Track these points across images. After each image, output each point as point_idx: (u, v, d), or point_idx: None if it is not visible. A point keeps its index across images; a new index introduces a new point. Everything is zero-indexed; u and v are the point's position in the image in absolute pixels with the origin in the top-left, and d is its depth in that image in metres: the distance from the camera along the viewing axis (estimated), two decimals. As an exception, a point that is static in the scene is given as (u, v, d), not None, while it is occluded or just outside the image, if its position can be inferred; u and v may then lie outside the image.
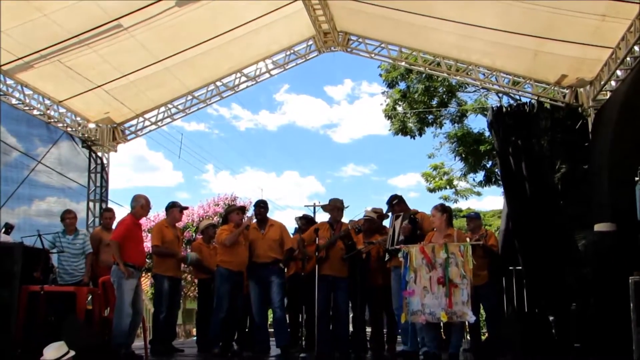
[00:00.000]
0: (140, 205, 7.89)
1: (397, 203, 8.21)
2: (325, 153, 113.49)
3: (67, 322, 6.80)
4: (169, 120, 12.99)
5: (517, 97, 15.50)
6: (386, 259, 7.96)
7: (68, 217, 8.92)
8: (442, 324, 7.12)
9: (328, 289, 7.99)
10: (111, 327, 7.53)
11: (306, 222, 9.46)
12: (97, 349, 6.95)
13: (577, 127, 10.42)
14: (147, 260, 8.60)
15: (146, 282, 14.17)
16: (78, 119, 11.89)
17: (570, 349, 8.40)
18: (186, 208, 9.39)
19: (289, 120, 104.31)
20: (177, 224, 9.29)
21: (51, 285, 7.95)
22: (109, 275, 7.67)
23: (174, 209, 8.93)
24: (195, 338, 11.34)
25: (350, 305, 8.49)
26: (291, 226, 9.83)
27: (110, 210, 9.91)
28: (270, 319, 9.37)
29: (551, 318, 8.92)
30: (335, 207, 8.42)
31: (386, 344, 8.85)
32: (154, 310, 8.65)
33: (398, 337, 8.84)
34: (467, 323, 7.38)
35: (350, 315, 8.82)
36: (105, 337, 7.83)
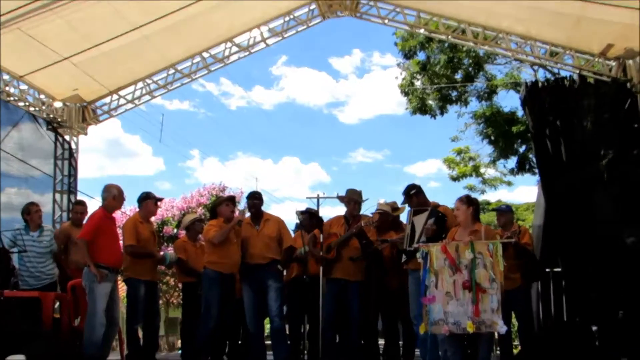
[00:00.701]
0: (112, 196, 7.87)
1: (415, 194, 8.18)
2: (331, 136, 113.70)
3: (30, 332, 6.84)
4: (147, 97, 13.03)
5: (556, 71, 15.59)
6: (403, 260, 7.96)
7: (33, 210, 8.93)
8: (466, 336, 7.12)
9: (338, 294, 7.97)
10: (82, 338, 7.57)
11: (309, 216, 9.44)
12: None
13: (625, 105, 10.41)
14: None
15: (123, 287, 14.22)
16: (42, 96, 11.91)
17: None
18: (161, 199, 9.39)
19: (288, 98, 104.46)
20: (151, 219, 9.31)
21: (12, 290, 7.98)
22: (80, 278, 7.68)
23: (148, 201, 8.88)
24: (179, 351, 11.39)
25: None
26: (291, 221, 9.83)
27: (82, 204, 9.91)
28: (267, 330, 9.40)
29: (594, 328, 8.94)
30: (350, 199, 8.35)
31: (402, 358, 8.88)
32: (128, 320, 8.65)
33: (416, 350, 8.87)
34: (496, 334, 7.40)
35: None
36: (75, 350, 7.88)
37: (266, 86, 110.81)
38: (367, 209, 8.67)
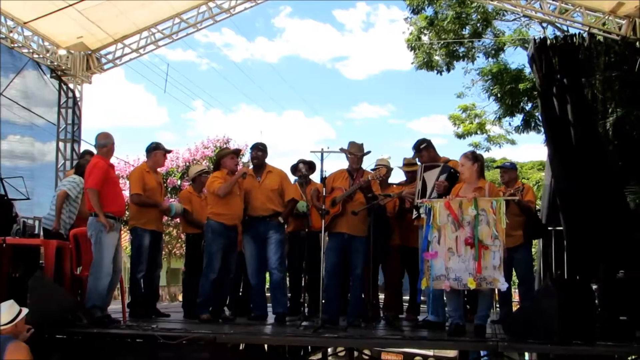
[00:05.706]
0: (112, 143, 7.83)
1: (425, 148, 8.15)
2: (335, 90, 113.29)
3: (33, 280, 6.84)
4: (152, 47, 12.96)
5: (565, 28, 15.40)
6: (414, 216, 7.92)
7: None
8: (466, 292, 7.14)
9: (341, 248, 7.92)
10: (84, 287, 7.58)
11: (308, 167, 9.43)
12: (68, 311, 7.02)
13: (636, 65, 10.31)
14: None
15: (125, 237, 14.26)
16: (46, 44, 11.83)
17: (615, 322, 8.45)
18: (170, 151, 9.38)
19: (292, 51, 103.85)
20: (158, 170, 9.28)
21: (15, 237, 7.99)
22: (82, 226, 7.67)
23: (157, 152, 8.88)
24: (181, 302, 11.45)
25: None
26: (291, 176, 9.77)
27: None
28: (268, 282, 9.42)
29: (594, 287, 8.96)
30: (350, 152, 8.24)
31: (406, 312, 8.93)
32: (132, 269, 8.68)
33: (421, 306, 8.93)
34: (496, 291, 7.41)
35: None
36: (77, 298, 7.91)
37: (269, 38, 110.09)
38: (368, 165, 8.61)
